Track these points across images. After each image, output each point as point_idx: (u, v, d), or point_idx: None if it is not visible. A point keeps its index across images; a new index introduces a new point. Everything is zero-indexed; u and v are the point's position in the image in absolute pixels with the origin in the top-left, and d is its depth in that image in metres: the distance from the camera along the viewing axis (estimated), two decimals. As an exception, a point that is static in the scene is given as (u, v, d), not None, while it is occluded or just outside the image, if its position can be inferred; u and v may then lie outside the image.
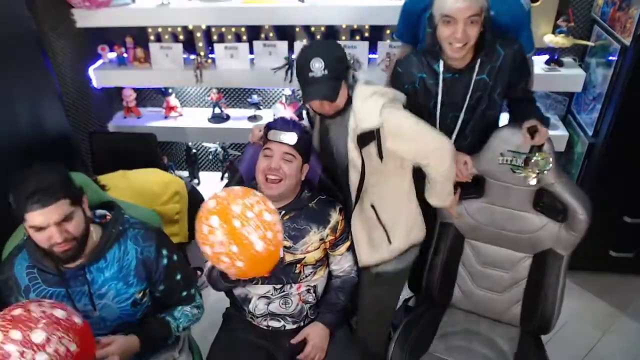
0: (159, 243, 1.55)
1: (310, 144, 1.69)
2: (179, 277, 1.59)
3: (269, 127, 1.64)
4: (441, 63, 1.73)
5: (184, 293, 1.63)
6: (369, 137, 1.55)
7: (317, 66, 1.47)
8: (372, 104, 1.55)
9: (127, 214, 1.57)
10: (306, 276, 1.70)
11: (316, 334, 1.68)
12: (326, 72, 1.48)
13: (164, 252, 1.55)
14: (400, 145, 1.58)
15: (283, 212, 1.64)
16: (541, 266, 1.83)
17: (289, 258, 1.65)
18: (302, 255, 1.66)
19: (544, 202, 1.76)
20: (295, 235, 1.65)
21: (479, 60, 1.70)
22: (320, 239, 1.67)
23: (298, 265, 1.67)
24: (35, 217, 1.30)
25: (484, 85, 1.73)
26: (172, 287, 1.59)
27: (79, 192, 1.41)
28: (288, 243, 1.64)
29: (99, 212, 1.54)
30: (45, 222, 1.31)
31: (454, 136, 1.82)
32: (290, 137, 1.59)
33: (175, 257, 1.59)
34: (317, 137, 1.76)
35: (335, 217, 1.69)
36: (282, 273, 1.66)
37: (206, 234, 1.31)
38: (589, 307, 2.61)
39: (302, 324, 1.74)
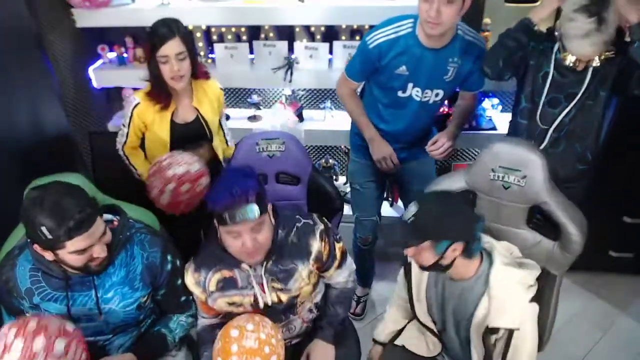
0: (164, 249, 1.56)
1: (264, 190, 1.43)
2: (179, 282, 1.60)
3: (215, 210, 1.36)
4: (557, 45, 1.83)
5: (183, 298, 1.64)
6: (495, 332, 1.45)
7: None
8: (517, 298, 1.44)
9: (131, 218, 1.57)
10: (304, 302, 1.66)
11: (318, 353, 1.65)
12: None
13: (169, 257, 1.57)
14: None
15: (265, 261, 1.51)
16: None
17: (284, 298, 1.57)
18: (297, 293, 1.58)
19: (538, 218, 1.67)
20: (284, 277, 1.54)
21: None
22: (309, 272, 1.57)
23: (296, 301, 1.62)
24: (80, 242, 1.31)
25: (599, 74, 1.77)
26: (173, 291, 1.60)
27: (97, 202, 1.42)
28: (280, 285, 1.54)
29: (106, 217, 1.52)
30: (90, 243, 1.33)
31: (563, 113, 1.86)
32: (251, 211, 1.36)
33: (178, 263, 1.60)
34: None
35: (316, 245, 1.55)
36: (282, 313, 1.63)
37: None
38: (589, 307, 2.61)
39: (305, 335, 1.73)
